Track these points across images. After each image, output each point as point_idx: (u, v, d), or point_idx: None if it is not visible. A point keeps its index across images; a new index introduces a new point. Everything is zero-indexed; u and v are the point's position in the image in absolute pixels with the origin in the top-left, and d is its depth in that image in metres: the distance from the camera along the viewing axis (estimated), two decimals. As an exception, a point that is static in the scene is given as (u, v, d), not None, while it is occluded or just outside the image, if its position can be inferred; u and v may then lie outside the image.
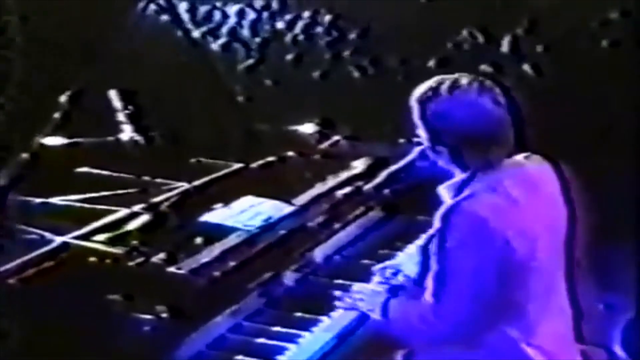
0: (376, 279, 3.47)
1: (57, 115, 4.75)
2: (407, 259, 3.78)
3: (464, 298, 3.00)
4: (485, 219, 2.97)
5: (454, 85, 3.07)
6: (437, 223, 3.03)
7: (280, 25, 4.98)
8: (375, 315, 3.20)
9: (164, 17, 5.01)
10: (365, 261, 3.89)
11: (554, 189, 3.14)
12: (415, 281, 3.20)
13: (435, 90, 3.08)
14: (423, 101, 3.09)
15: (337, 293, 3.42)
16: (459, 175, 3.08)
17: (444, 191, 3.10)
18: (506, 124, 3.08)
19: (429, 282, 3.04)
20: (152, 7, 5.00)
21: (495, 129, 3.06)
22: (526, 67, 4.63)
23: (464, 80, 3.08)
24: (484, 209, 2.99)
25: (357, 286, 3.42)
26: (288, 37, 4.99)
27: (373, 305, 3.21)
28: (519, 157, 3.14)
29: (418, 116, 3.10)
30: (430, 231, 3.07)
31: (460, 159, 3.06)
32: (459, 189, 3.06)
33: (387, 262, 3.62)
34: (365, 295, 3.31)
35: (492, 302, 3.01)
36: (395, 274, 3.45)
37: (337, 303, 3.42)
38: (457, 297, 3.01)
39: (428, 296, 3.04)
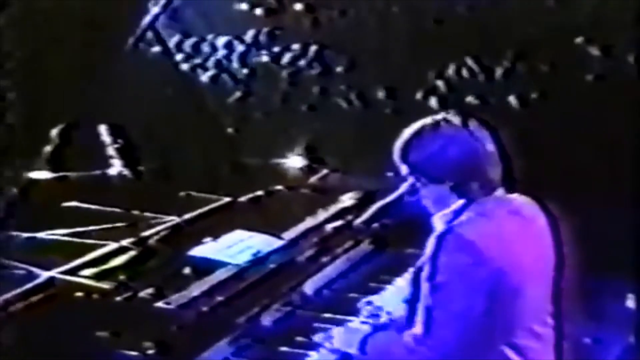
0: (359, 317, 3.47)
1: (47, 149, 4.75)
2: (391, 296, 3.78)
3: (454, 326, 3.01)
4: (476, 245, 3.00)
5: (433, 127, 3.12)
6: (428, 249, 3.05)
7: (268, 57, 4.99)
8: (354, 351, 3.20)
9: (154, 51, 5.02)
10: (355, 294, 3.88)
11: (542, 224, 3.17)
12: (407, 313, 3.20)
13: (414, 135, 3.13)
14: (406, 149, 3.13)
15: (316, 337, 3.41)
16: (452, 206, 3.11)
17: (438, 221, 3.12)
18: (494, 158, 3.12)
19: (419, 312, 3.05)
20: (142, 40, 5.01)
21: (483, 162, 3.10)
22: (512, 99, 4.65)
23: (440, 120, 3.13)
24: (476, 234, 3.01)
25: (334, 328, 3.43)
26: (276, 70, 4.99)
27: (350, 342, 3.21)
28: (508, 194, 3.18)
29: (407, 163, 3.14)
30: (422, 259, 3.08)
31: (464, 193, 3.10)
32: (452, 218, 3.08)
33: (371, 299, 3.63)
34: (342, 334, 3.31)
35: (481, 331, 3.02)
36: (377, 312, 3.45)
37: (315, 339, 3.42)
38: (447, 326, 3.01)
39: (418, 325, 3.04)
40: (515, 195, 3.19)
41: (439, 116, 3.16)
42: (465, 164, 3.09)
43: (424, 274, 3.05)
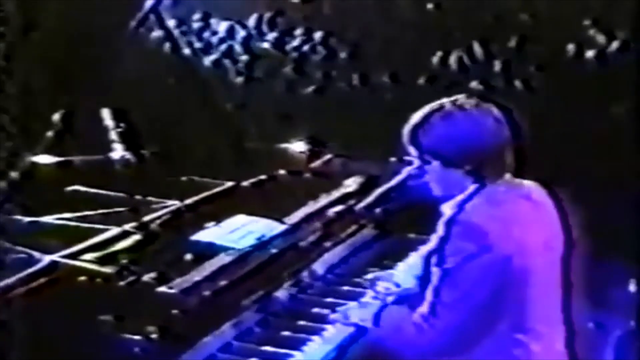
0: (370, 293, 3.49)
1: (49, 133, 4.74)
2: (403, 271, 3.79)
3: (459, 309, 3.02)
4: (484, 230, 3.01)
5: (450, 109, 3.10)
6: (439, 232, 3.06)
7: (271, 42, 4.97)
8: (368, 324, 3.22)
9: (156, 35, 5.01)
10: (357, 279, 3.88)
11: (551, 209, 3.17)
12: (417, 293, 3.22)
13: (429, 118, 3.11)
14: (419, 131, 3.12)
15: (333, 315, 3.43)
16: (465, 192, 3.11)
17: (448, 209, 3.12)
18: (509, 142, 3.11)
19: (428, 293, 3.06)
20: (144, 24, 5.00)
21: (500, 146, 3.09)
22: (517, 84, 4.63)
23: (458, 102, 3.11)
24: (485, 220, 3.02)
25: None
26: (280, 55, 4.98)
27: (365, 315, 3.24)
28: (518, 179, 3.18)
29: (419, 146, 3.13)
30: (432, 242, 3.09)
31: (479, 178, 3.09)
32: (463, 203, 3.08)
33: (382, 274, 3.65)
34: (357, 307, 3.33)
35: (487, 314, 3.03)
36: (389, 286, 3.47)
37: (331, 317, 3.44)
38: (452, 309, 3.02)
39: (425, 306, 3.06)
40: (525, 182, 3.19)
41: (454, 99, 3.14)
42: (485, 148, 3.08)
43: (433, 258, 3.07)
